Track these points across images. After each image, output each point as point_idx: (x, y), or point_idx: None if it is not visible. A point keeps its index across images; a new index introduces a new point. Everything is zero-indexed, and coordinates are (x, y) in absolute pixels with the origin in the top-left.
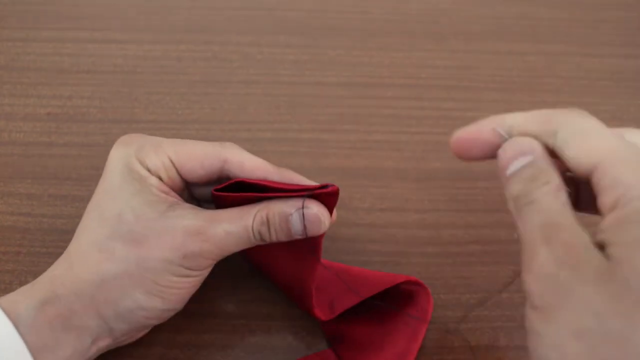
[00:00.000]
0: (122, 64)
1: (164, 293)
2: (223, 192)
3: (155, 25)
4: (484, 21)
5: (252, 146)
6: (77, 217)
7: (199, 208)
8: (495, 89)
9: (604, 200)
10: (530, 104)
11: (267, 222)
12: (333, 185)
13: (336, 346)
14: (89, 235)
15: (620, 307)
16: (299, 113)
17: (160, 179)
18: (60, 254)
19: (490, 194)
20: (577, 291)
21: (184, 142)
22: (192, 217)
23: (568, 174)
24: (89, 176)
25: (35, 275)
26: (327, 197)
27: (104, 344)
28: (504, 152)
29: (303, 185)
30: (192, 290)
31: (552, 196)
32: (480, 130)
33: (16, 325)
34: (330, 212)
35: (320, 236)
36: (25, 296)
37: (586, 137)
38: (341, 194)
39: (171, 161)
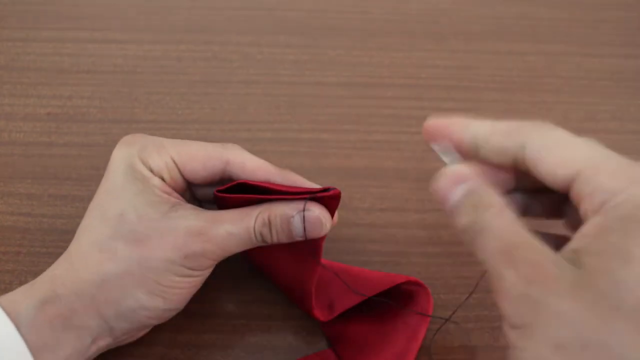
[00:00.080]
0: (122, 64)
1: (166, 293)
2: (225, 193)
3: (155, 25)
4: (484, 21)
5: (252, 146)
6: (77, 217)
7: (201, 209)
8: (495, 89)
9: (587, 207)
10: (530, 104)
11: (269, 224)
12: (335, 189)
13: (336, 346)
14: (91, 234)
15: (597, 316)
16: (299, 113)
17: (162, 179)
18: (60, 254)
19: None
20: (551, 306)
21: (186, 142)
22: (194, 218)
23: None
24: (89, 176)
25: (35, 275)
26: (329, 200)
27: (104, 343)
28: (439, 185)
29: (305, 188)
30: (194, 290)
31: (500, 218)
32: (448, 128)
33: (16, 325)
34: (332, 214)
35: (321, 238)
36: (26, 296)
37: (560, 148)
38: (341, 194)
39: (174, 162)
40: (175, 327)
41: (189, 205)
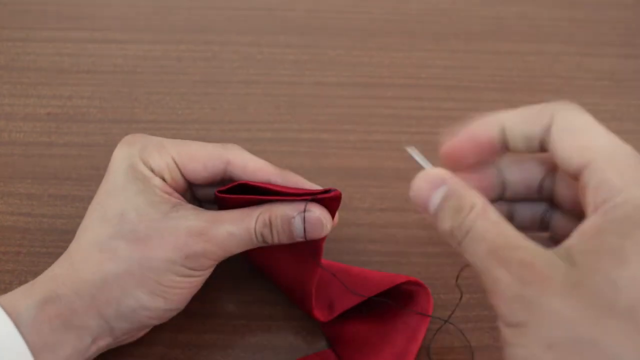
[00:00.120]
0: (122, 64)
1: (167, 293)
2: (226, 193)
3: (155, 25)
4: (484, 21)
5: (252, 146)
6: (77, 217)
7: (202, 209)
8: (495, 89)
9: (589, 201)
10: (530, 104)
11: (270, 224)
12: (336, 190)
13: (336, 346)
14: (91, 234)
15: (590, 315)
16: (299, 113)
17: (163, 179)
18: (60, 254)
19: None
20: (545, 305)
21: (187, 143)
22: (195, 218)
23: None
24: (89, 176)
25: (35, 275)
26: (329, 201)
27: (104, 343)
28: (417, 191)
29: (306, 190)
30: (194, 291)
31: (484, 219)
32: (476, 134)
33: (17, 325)
34: (333, 216)
35: (322, 239)
36: (26, 295)
37: (579, 135)
38: (342, 195)
39: (175, 162)
40: (176, 327)
41: (190, 206)
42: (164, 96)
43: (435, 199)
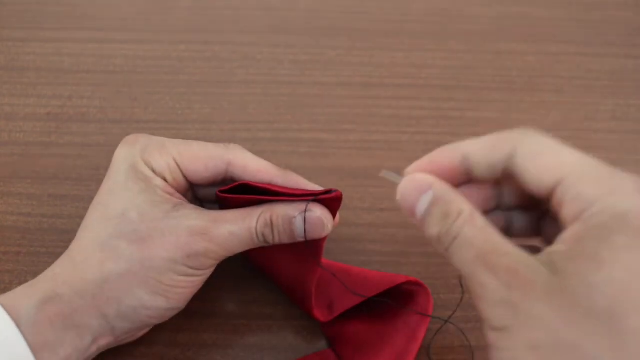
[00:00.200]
0: (122, 64)
1: (168, 292)
2: (227, 193)
3: (155, 25)
4: (484, 21)
5: (252, 146)
6: (77, 217)
7: (203, 209)
8: (495, 89)
9: (567, 213)
10: (530, 104)
11: (271, 224)
12: (337, 191)
13: (336, 346)
14: (92, 234)
15: (570, 318)
16: (299, 113)
17: (165, 180)
18: (60, 254)
19: None
20: (529, 309)
21: (188, 143)
22: (196, 218)
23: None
24: (89, 176)
25: (35, 275)
26: (330, 202)
27: (104, 342)
28: (403, 197)
29: (307, 190)
30: (195, 290)
31: (471, 225)
32: (437, 162)
33: (17, 324)
34: (334, 216)
35: (323, 240)
36: (26, 294)
37: (546, 156)
38: (342, 195)
39: (176, 163)
40: (175, 327)
41: (191, 205)
42: (164, 96)
43: (422, 204)
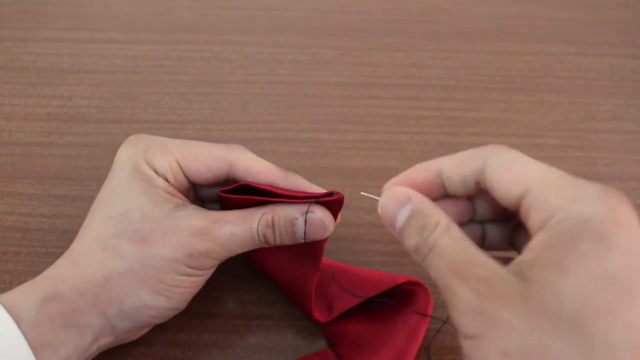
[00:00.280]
0: (122, 64)
1: (169, 292)
2: (229, 194)
3: (155, 25)
4: (484, 21)
5: (252, 146)
6: (77, 217)
7: (205, 209)
8: (495, 89)
9: (533, 222)
10: (530, 104)
11: (272, 225)
12: (338, 193)
13: (336, 346)
14: (94, 233)
15: (539, 324)
16: (299, 113)
17: (167, 180)
18: (60, 254)
19: None
20: (500, 317)
21: (190, 143)
22: (197, 218)
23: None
24: (89, 176)
25: (35, 275)
26: (331, 204)
27: (105, 341)
28: (384, 209)
29: (309, 193)
30: (196, 290)
31: (447, 237)
32: (414, 178)
33: (18, 323)
34: (335, 218)
35: (323, 241)
36: (27, 294)
37: (513, 169)
38: (343, 197)
39: (178, 163)
40: (176, 327)
41: (193, 206)
42: (164, 96)
43: (402, 217)
